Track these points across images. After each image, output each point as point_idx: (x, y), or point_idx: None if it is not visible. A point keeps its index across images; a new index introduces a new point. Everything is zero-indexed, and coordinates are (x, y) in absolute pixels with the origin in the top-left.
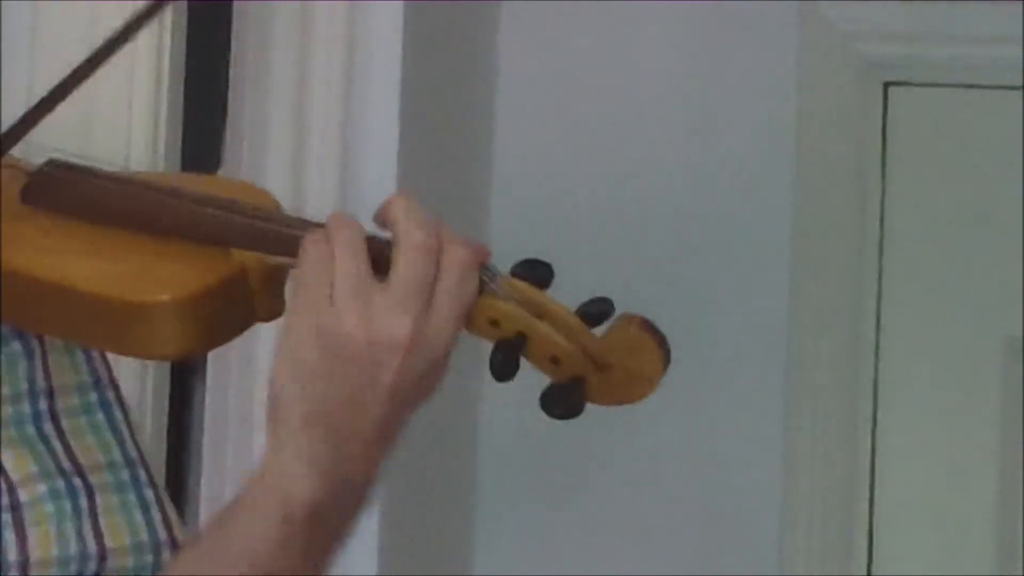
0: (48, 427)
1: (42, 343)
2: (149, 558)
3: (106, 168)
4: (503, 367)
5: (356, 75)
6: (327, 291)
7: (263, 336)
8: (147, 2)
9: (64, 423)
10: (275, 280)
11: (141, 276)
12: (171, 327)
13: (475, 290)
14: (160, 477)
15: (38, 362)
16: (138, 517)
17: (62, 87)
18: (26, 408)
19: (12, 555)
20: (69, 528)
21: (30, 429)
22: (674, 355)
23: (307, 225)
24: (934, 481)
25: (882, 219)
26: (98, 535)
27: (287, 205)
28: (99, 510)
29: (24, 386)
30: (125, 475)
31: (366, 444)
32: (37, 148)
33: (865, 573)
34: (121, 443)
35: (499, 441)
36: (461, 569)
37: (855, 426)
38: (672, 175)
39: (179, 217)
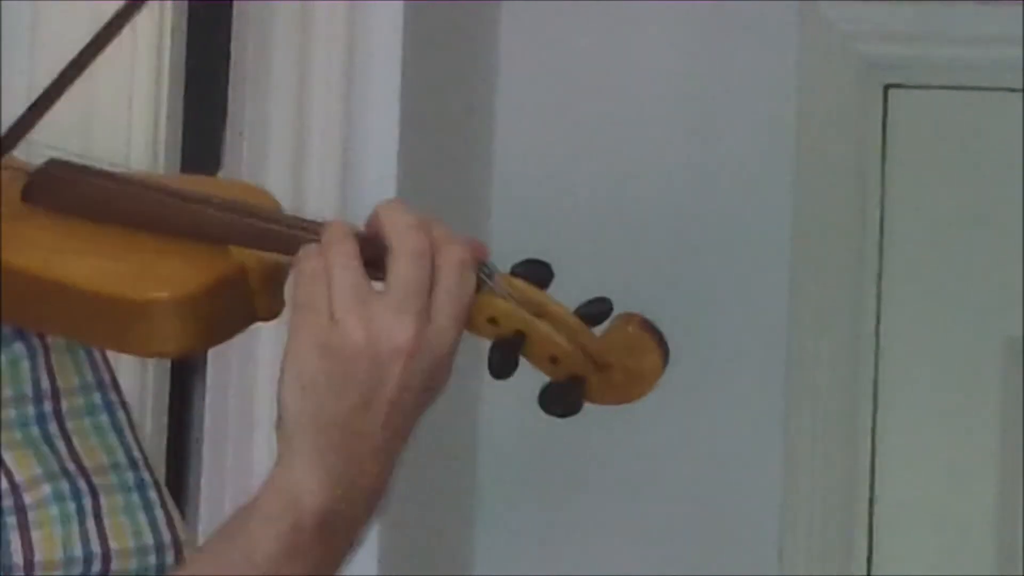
0: (53, 428)
1: (45, 344)
2: (153, 559)
3: (107, 167)
4: (501, 366)
5: (356, 75)
6: (326, 305)
7: (263, 336)
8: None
9: (68, 424)
10: (275, 279)
11: (141, 275)
12: (171, 325)
13: (473, 288)
14: (160, 476)
15: (41, 363)
16: (142, 518)
17: (60, 82)
18: (30, 409)
19: (17, 557)
20: (73, 530)
21: (35, 430)
22: (674, 355)
23: (307, 224)
24: (934, 481)
25: (882, 220)
26: (102, 537)
27: (287, 205)
28: (103, 511)
29: (28, 387)
30: (129, 477)
31: (375, 451)
32: (37, 148)
33: (865, 573)
34: (125, 444)
35: (499, 441)
36: (461, 569)
37: (855, 426)
38: (672, 175)
39: (179, 216)
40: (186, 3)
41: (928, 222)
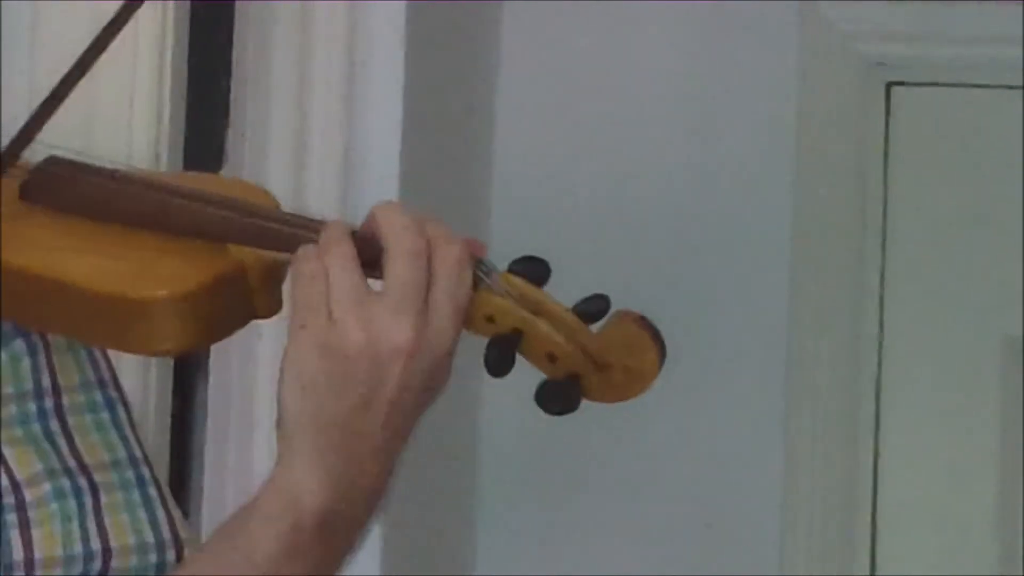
0: (54, 424)
1: (45, 341)
2: (153, 557)
3: (106, 165)
4: (498, 363)
5: (357, 75)
6: (325, 306)
7: (264, 335)
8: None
9: (70, 421)
10: (274, 277)
11: (141, 273)
12: (170, 324)
13: (471, 287)
14: (162, 474)
15: (42, 360)
16: (142, 516)
17: (62, 86)
18: (31, 406)
19: (17, 554)
20: (74, 527)
21: (36, 427)
22: (674, 355)
23: (306, 223)
24: (935, 481)
25: (884, 219)
26: (103, 534)
27: (288, 204)
28: (104, 509)
29: (29, 384)
30: (130, 474)
31: (375, 451)
32: (38, 146)
33: (866, 574)
34: (125, 442)
35: (499, 441)
36: (462, 569)
37: (856, 426)
38: (672, 175)
39: (179, 214)
40: (188, 3)
41: (929, 221)
